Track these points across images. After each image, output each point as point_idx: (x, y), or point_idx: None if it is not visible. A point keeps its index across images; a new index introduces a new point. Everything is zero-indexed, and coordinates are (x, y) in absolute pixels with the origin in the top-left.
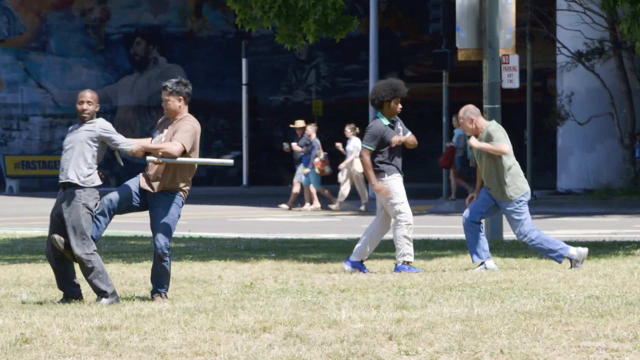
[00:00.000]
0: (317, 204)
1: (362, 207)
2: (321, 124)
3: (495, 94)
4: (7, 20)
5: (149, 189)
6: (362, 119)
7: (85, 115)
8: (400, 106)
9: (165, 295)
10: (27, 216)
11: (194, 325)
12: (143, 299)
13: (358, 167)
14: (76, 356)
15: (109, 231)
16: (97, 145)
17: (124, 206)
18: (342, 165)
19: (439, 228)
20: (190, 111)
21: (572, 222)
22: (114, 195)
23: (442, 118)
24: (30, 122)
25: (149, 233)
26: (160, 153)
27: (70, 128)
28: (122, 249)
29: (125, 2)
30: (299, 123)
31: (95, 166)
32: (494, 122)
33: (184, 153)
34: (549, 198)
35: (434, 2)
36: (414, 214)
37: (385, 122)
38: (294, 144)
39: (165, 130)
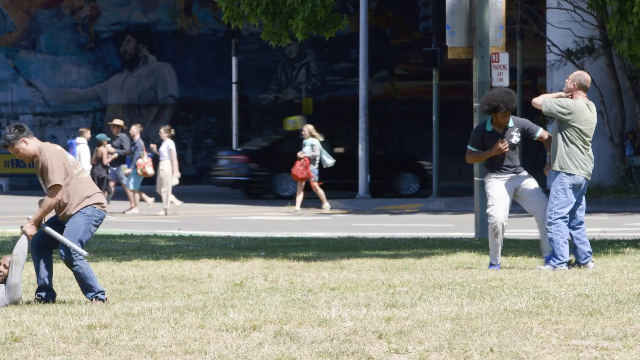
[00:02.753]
0: (136, 208)
1: (162, 212)
2: (311, 122)
3: (486, 92)
4: None
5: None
6: (351, 117)
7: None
8: (506, 119)
9: (98, 299)
10: (16, 214)
11: (183, 323)
12: (133, 297)
13: (167, 169)
14: (66, 355)
15: (100, 230)
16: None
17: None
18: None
19: (429, 226)
20: (181, 109)
21: None
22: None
23: (433, 116)
24: (20, 120)
25: (138, 231)
26: (43, 219)
27: None
28: (112, 248)
29: (115, 0)
30: (117, 121)
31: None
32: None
33: (59, 186)
34: None
35: (424, 0)
36: (404, 212)
37: (488, 128)
38: (108, 146)
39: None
